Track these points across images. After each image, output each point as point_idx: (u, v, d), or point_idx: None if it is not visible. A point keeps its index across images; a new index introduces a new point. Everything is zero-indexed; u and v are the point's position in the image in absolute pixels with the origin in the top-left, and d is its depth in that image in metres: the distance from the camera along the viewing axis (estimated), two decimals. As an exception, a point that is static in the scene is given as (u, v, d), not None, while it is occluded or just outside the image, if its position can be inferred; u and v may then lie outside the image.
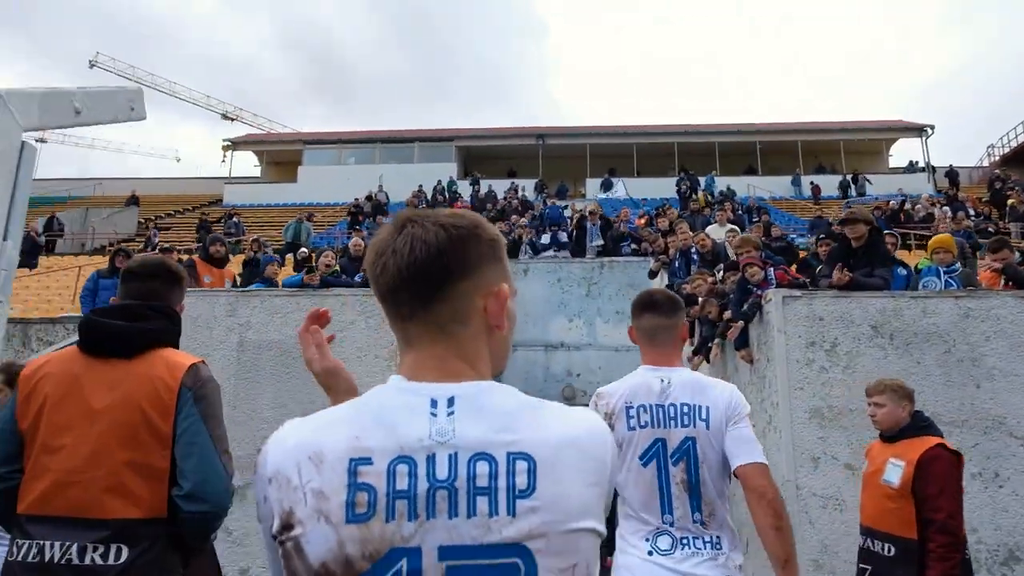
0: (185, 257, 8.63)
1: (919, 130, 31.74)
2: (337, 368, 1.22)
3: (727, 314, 6.29)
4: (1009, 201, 19.83)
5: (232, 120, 43.21)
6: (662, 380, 2.36)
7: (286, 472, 0.82)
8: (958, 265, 5.57)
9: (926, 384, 4.92)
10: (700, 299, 7.13)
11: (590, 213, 13.70)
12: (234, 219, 22.10)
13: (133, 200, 27.33)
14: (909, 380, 4.95)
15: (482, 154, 33.33)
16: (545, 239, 13.66)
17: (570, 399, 12.59)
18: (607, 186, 27.55)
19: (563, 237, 13.65)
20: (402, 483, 0.80)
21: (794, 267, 6.81)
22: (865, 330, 5.07)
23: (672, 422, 2.29)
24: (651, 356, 2.47)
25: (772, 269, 5.66)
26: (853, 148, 31.89)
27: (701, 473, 2.24)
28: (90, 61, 39.57)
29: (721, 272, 7.10)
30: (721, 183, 26.36)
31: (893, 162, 32.89)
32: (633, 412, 2.33)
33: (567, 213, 16.24)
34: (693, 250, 9.49)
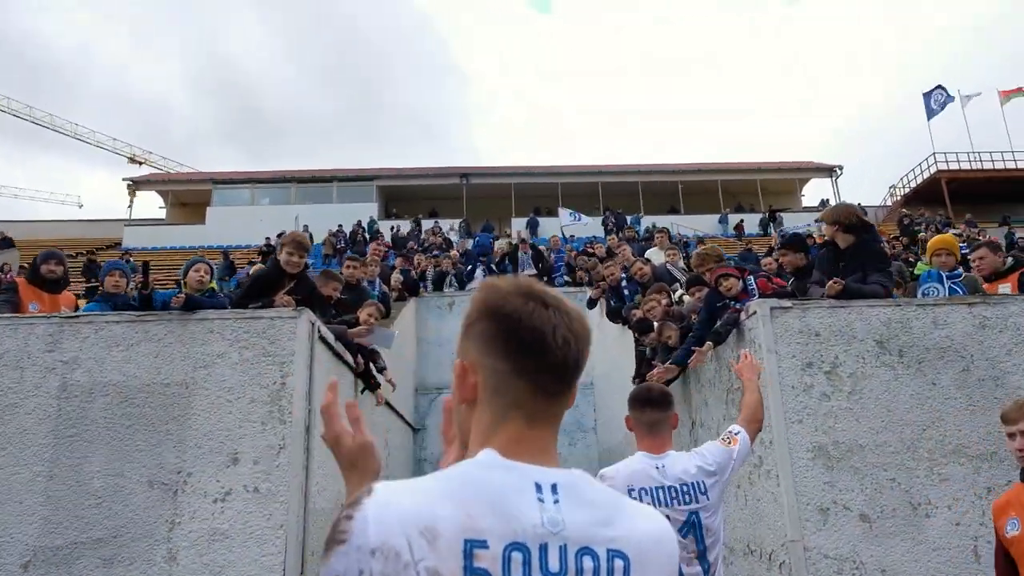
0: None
1: (829, 170, 33.05)
2: (371, 446, 1.10)
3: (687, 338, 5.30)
4: (920, 235, 20.30)
5: (140, 164, 40.68)
6: (658, 467, 2.65)
7: (395, 545, 0.78)
8: (960, 270, 4.78)
9: (946, 410, 4.04)
10: (656, 323, 6.15)
11: (521, 242, 12.73)
12: (130, 261, 19.90)
13: (6, 242, 24.42)
14: (926, 406, 4.10)
15: (404, 194, 32.23)
16: (477, 274, 12.53)
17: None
18: (532, 225, 26.88)
19: (493, 268, 12.55)
20: (516, 572, 0.81)
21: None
22: (870, 346, 4.17)
23: (674, 501, 2.59)
24: (648, 444, 2.73)
25: (752, 277, 4.72)
26: (770, 188, 32.79)
27: (707, 540, 2.62)
28: (-19, 102, 36.22)
29: (680, 291, 6.14)
30: (646, 222, 26.17)
31: (806, 201, 33.93)
32: (635, 495, 2.55)
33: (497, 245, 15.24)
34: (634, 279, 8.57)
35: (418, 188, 31.72)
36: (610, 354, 9.84)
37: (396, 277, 10.94)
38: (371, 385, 5.83)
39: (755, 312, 4.31)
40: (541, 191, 30.20)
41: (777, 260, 7.75)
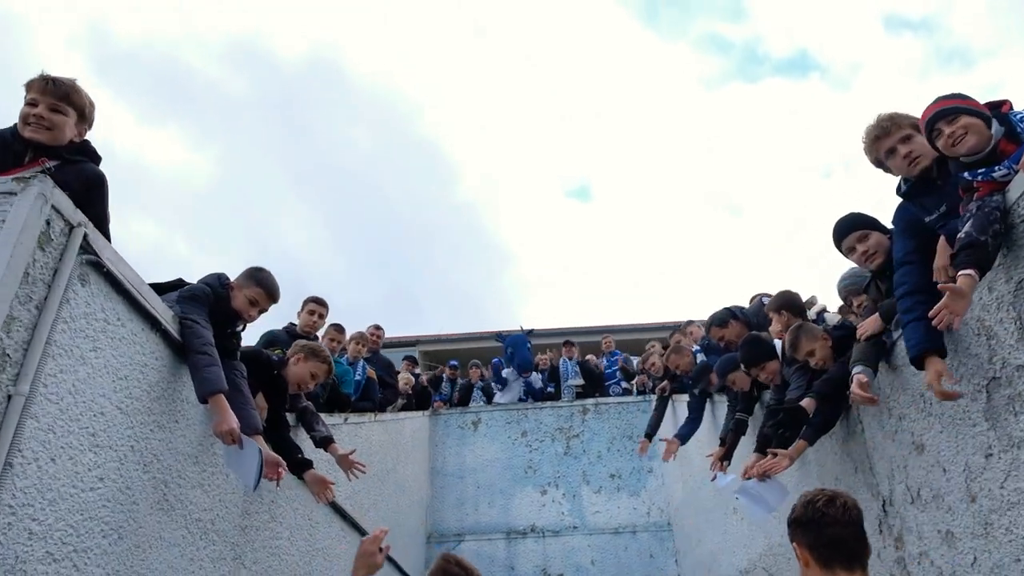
0: None
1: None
2: None
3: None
4: None
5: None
6: None
7: None
8: None
9: None
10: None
11: (566, 344, 10.53)
12: None
13: None
14: None
15: (445, 356, 30.87)
16: (510, 382, 10.29)
17: (550, 617, 8.49)
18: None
19: (535, 381, 10.28)
20: None
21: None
22: None
23: None
24: None
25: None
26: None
27: None
28: None
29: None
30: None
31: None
32: None
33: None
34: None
35: (459, 350, 30.37)
36: (690, 467, 7.27)
37: (406, 377, 8.84)
38: (296, 463, 3.65)
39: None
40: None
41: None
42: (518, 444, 9.50)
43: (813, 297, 4.97)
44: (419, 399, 9.50)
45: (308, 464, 3.71)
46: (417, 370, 10.72)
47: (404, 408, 8.59)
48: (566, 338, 10.86)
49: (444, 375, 10.61)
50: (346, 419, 5.21)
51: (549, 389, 10.47)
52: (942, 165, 2.50)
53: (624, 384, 10.03)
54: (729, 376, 4.47)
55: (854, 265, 3.53)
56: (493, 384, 10.60)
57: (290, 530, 3.89)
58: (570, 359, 10.53)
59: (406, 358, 10.40)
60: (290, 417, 3.88)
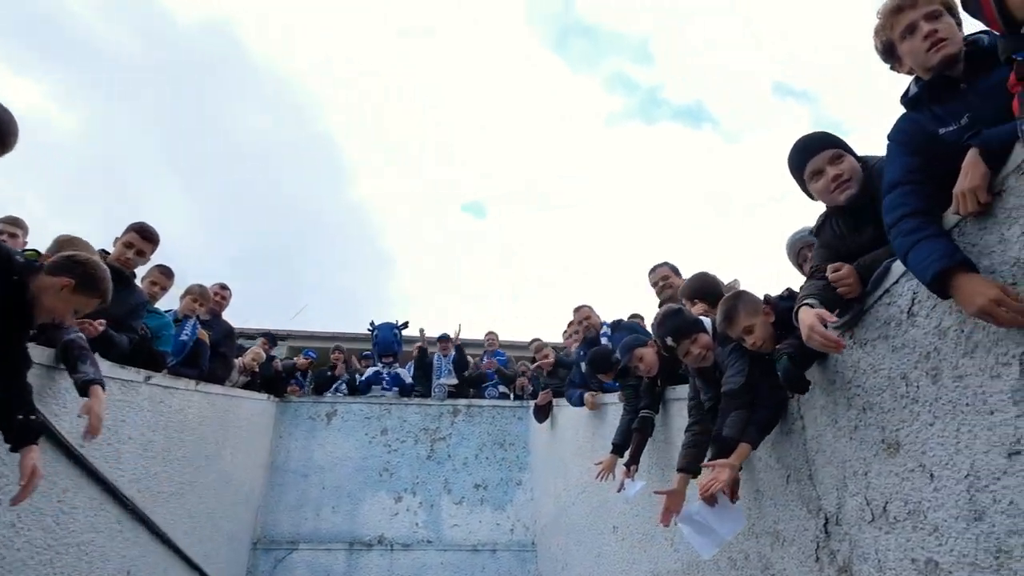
0: None
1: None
2: None
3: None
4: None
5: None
6: None
7: None
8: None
9: None
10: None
11: (440, 339, 9.65)
12: None
13: None
14: None
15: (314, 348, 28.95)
16: (374, 373, 9.26)
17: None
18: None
19: (403, 374, 9.32)
20: None
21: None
22: None
23: None
24: None
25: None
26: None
27: None
28: None
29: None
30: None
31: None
32: None
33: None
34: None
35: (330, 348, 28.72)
36: (566, 479, 6.59)
37: (256, 353, 7.63)
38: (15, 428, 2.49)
39: None
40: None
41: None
42: (376, 443, 8.48)
43: (735, 281, 4.41)
44: (268, 385, 8.29)
45: (30, 436, 2.48)
46: (274, 352, 9.46)
47: (247, 387, 7.39)
48: (443, 333, 9.96)
49: (296, 364, 9.36)
50: (148, 378, 4.06)
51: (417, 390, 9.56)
52: (973, 62, 1.91)
53: (502, 387, 9.28)
54: (636, 352, 3.80)
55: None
56: (359, 378, 9.55)
57: (20, 513, 2.75)
58: (444, 355, 9.66)
59: (265, 334, 9.14)
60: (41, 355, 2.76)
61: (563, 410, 6.90)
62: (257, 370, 7.69)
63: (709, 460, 2.66)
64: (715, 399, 3.10)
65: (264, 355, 7.95)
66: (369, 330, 10.03)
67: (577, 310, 5.97)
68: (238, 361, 7.44)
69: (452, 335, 9.80)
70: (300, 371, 9.25)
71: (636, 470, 4.01)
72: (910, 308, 2.02)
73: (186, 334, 5.45)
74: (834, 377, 2.38)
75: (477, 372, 9.60)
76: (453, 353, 9.68)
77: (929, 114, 2.04)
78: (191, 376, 5.18)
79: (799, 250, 2.88)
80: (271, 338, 8.99)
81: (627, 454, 4.08)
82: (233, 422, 6.35)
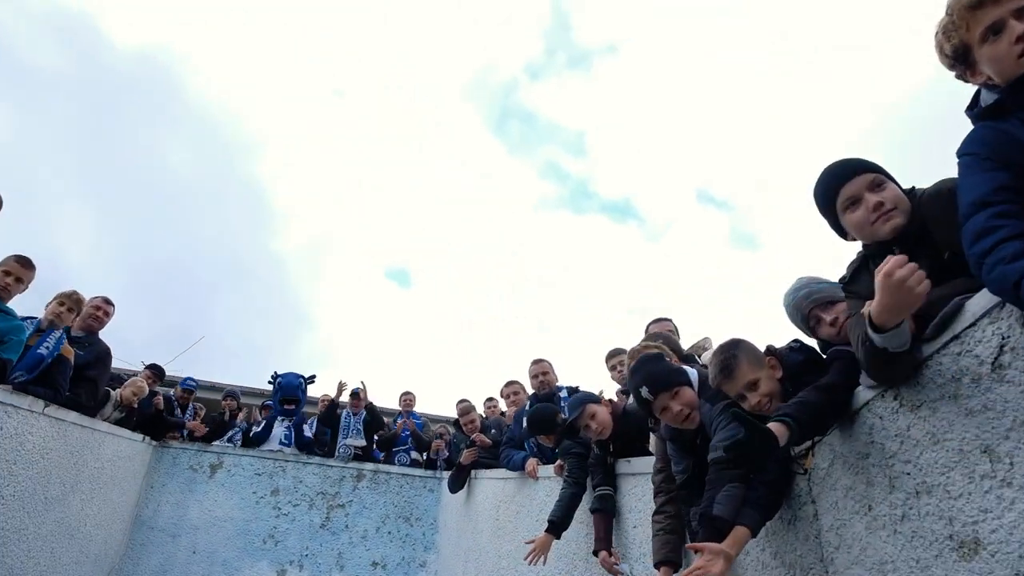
0: None
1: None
2: None
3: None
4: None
5: None
6: None
7: None
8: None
9: None
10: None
11: (352, 395, 8.79)
12: None
13: None
14: None
15: (213, 406, 27.04)
16: (276, 431, 8.25)
17: None
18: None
19: (305, 430, 8.37)
20: None
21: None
22: None
23: None
24: None
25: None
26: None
27: None
28: None
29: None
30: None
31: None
32: None
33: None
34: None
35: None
36: (480, 560, 5.80)
37: (137, 384, 6.61)
38: None
39: None
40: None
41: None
42: (264, 504, 7.44)
43: (705, 340, 3.95)
44: (146, 424, 7.21)
45: None
46: (158, 388, 8.34)
47: (120, 424, 6.34)
48: (354, 389, 9.08)
49: (174, 397, 8.25)
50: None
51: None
52: None
53: (414, 454, 8.44)
54: (588, 408, 3.23)
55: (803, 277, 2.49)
56: (253, 427, 8.53)
57: None
58: (355, 413, 8.77)
59: (151, 366, 8.05)
60: None
61: (481, 482, 6.18)
62: (135, 406, 6.65)
63: (696, 542, 2.07)
64: (690, 472, 2.55)
65: (146, 389, 6.92)
66: (270, 381, 9.05)
67: (536, 363, 5.36)
68: (114, 393, 6.42)
69: (361, 392, 8.94)
70: (180, 406, 8.17)
71: (619, 554, 3.30)
72: (996, 359, 1.54)
73: (46, 346, 4.52)
74: (866, 449, 1.87)
75: (391, 432, 8.75)
76: (364, 412, 8.81)
77: (1018, 121, 1.65)
78: (41, 396, 4.24)
79: (809, 311, 2.33)
80: (157, 371, 7.92)
81: (595, 540, 3.37)
82: (90, 462, 5.32)
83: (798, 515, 2.11)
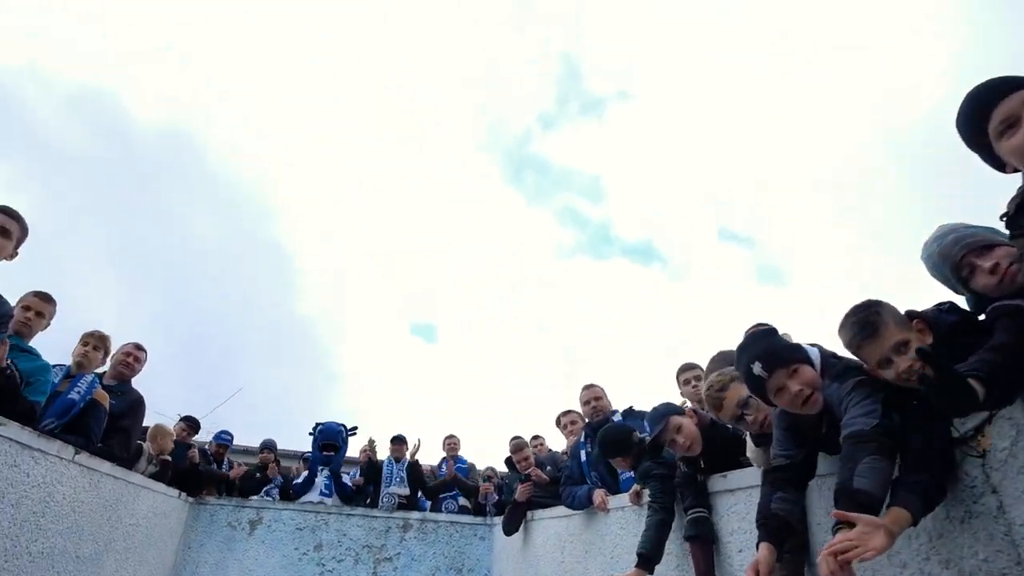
0: None
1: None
2: None
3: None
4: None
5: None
6: None
7: None
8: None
9: None
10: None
11: (394, 440, 8.43)
12: None
13: None
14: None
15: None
16: (318, 482, 7.92)
17: None
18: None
19: (345, 479, 8.03)
20: None
21: None
22: None
23: None
24: None
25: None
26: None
27: None
28: None
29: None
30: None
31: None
32: None
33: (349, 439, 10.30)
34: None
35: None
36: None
37: (160, 427, 6.34)
38: None
39: None
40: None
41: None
42: (307, 560, 7.04)
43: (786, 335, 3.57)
44: (181, 479, 6.91)
45: None
46: (196, 438, 8.06)
47: (155, 478, 6.05)
48: (397, 434, 8.73)
49: (209, 452, 7.97)
50: (-4, 424, 2.92)
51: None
52: None
53: (461, 500, 8.00)
54: (672, 421, 2.87)
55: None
56: (294, 480, 8.19)
57: None
58: (397, 460, 8.40)
59: (186, 418, 7.79)
60: None
61: (540, 523, 5.74)
62: (169, 459, 6.37)
63: (841, 511, 1.66)
64: (799, 460, 2.18)
65: (172, 431, 6.65)
66: (311, 432, 8.74)
67: (587, 388, 4.99)
68: (147, 446, 6.16)
69: (409, 447, 8.58)
70: (215, 460, 7.88)
71: None
72: None
73: (77, 391, 4.29)
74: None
75: (439, 479, 8.34)
76: (407, 458, 8.43)
77: None
78: (72, 443, 3.98)
79: (961, 258, 1.96)
80: (192, 423, 7.65)
81: (696, 574, 2.95)
82: (125, 518, 5.01)
83: (973, 510, 1.72)
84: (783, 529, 2.07)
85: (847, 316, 1.91)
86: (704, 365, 4.32)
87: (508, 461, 6.27)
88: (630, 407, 4.86)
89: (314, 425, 8.82)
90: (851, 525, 1.61)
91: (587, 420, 5.10)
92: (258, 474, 8.33)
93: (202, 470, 7.35)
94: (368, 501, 8.09)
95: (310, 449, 8.79)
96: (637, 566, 3.12)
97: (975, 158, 1.74)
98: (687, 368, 4.36)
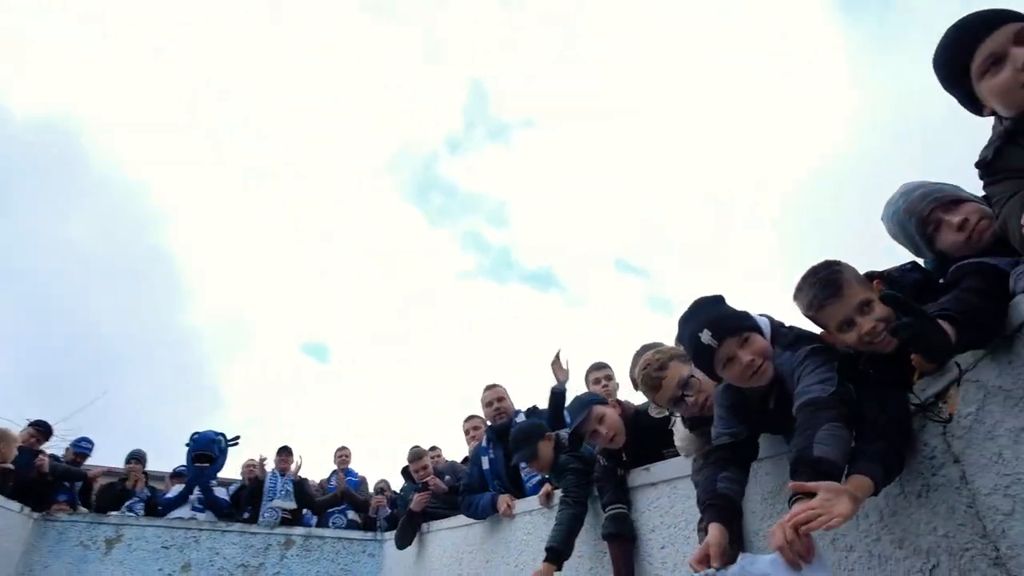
0: None
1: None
2: None
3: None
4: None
5: None
6: None
7: None
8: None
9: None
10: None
11: (280, 452, 7.82)
12: None
13: None
14: None
15: None
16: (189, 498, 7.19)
17: None
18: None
19: (220, 492, 7.35)
20: None
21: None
22: None
23: None
24: None
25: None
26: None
27: None
28: None
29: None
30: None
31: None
32: None
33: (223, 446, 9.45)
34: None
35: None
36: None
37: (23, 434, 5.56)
38: None
39: None
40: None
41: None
42: (172, 582, 6.33)
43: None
44: (24, 491, 6.06)
45: None
46: (49, 449, 7.12)
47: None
48: (283, 445, 8.11)
49: (64, 460, 7.09)
50: None
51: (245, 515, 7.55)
52: None
53: (351, 515, 7.50)
54: (595, 410, 2.69)
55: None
56: (161, 496, 7.41)
57: None
58: (282, 473, 7.79)
59: (36, 423, 6.87)
60: None
61: (436, 535, 5.41)
62: (12, 467, 5.57)
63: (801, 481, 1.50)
64: (743, 437, 2.03)
65: (15, 437, 5.84)
66: (187, 444, 7.97)
67: (489, 388, 4.73)
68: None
69: (294, 465, 7.98)
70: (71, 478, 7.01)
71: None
72: None
73: None
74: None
75: (331, 492, 7.80)
76: (292, 472, 7.84)
77: None
78: None
79: (929, 212, 1.85)
80: (43, 428, 6.76)
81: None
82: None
83: (932, 483, 1.61)
84: (731, 510, 1.90)
85: (805, 277, 1.78)
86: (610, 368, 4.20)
87: (405, 471, 5.92)
88: (533, 406, 4.68)
89: (191, 435, 8.07)
90: (809, 496, 1.45)
91: (489, 423, 4.87)
92: (120, 487, 7.49)
93: (53, 467, 6.50)
94: (247, 517, 7.44)
95: (184, 463, 8.03)
96: (546, 560, 2.90)
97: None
98: (597, 367, 4.23)
